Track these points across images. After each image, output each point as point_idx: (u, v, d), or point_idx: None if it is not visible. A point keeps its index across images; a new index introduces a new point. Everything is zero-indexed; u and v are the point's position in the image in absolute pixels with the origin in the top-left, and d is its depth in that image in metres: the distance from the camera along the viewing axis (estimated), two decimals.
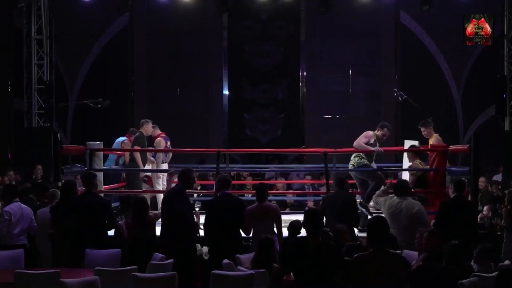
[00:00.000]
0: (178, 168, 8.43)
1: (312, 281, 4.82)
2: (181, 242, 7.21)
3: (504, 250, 8.00)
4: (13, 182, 10.63)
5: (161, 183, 10.70)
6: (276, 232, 7.50)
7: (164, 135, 10.89)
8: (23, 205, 7.80)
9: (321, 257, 4.82)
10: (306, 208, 10.61)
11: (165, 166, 10.80)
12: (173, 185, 7.97)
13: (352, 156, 9.35)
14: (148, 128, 10.53)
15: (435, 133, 9.74)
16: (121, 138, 11.05)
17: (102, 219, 7.39)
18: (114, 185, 10.99)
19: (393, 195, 7.85)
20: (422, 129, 9.72)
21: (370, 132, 9.34)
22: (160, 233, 7.51)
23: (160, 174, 10.66)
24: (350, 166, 9.42)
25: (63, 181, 8.61)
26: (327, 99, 16.12)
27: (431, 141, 9.70)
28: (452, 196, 8.11)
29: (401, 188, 7.88)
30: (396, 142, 14.45)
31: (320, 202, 8.86)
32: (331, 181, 9.64)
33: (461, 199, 7.96)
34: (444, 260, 6.18)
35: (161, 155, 10.75)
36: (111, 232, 7.86)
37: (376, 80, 16.06)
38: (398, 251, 6.55)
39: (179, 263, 6.77)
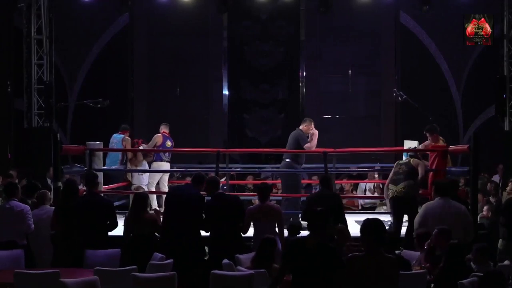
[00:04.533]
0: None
1: (309, 281, 4.81)
2: (187, 245, 7.20)
3: None
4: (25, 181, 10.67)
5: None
6: (278, 232, 7.51)
7: (166, 134, 10.86)
8: (17, 203, 7.63)
9: (317, 257, 4.81)
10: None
11: (167, 166, 10.79)
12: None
13: None
14: (309, 127, 10.15)
15: (441, 137, 9.63)
16: (119, 136, 11.04)
17: (104, 219, 7.35)
18: (114, 185, 11.00)
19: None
20: (428, 135, 9.54)
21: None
22: (163, 232, 7.40)
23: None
24: None
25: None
26: (327, 99, 16.11)
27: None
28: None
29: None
30: (396, 142, 14.47)
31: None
32: None
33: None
34: (443, 260, 6.18)
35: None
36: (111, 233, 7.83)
37: (376, 80, 16.05)
38: (397, 251, 6.54)
39: (182, 265, 6.76)
